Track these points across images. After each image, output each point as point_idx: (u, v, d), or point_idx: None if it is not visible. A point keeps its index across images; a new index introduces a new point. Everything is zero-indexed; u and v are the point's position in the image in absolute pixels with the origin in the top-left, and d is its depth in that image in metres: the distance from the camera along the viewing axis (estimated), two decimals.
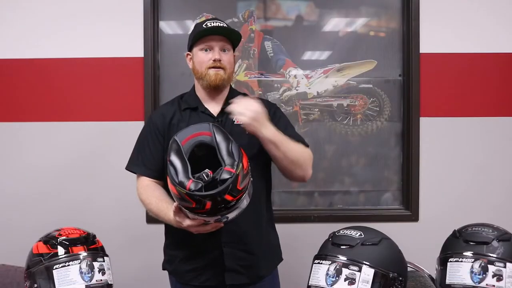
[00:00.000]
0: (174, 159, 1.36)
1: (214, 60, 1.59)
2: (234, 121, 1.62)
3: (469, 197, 2.43)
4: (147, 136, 1.68)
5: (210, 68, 1.60)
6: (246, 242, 1.62)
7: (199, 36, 1.60)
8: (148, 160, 1.65)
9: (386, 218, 2.41)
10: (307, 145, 1.67)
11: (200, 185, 1.29)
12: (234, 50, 1.68)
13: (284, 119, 1.72)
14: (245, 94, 1.77)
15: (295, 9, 2.46)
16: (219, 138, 1.37)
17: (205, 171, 1.33)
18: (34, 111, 2.38)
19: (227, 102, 1.65)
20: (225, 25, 1.62)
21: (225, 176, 1.29)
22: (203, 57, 1.61)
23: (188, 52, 1.68)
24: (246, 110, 1.45)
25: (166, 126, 1.65)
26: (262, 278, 1.67)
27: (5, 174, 2.40)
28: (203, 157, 1.39)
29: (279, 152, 1.52)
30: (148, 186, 1.63)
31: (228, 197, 1.30)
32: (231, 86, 1.74)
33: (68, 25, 2.37)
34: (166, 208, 1.51)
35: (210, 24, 1.60)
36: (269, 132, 1.49)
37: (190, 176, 1.32)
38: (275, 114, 1.69)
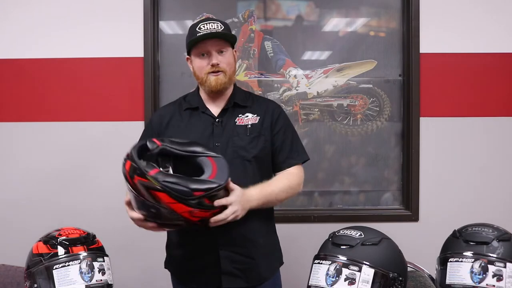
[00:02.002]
0: (149, 140, 1.37)
1: (212, 65, 1.58)
2: (236, 122, 1.62)
3: (469, 197, 2.42)
4: (145, 135, 1.69)
5: (209, 73, 1.59)
6: (244, 246, 1.59)
7: (193, 43, 1.59)
8: None
9: (386, 218, 2.40)
10: (304, 160, 1.69)
11: (138, 156, 1.27)
12: (234, 46, 1.65)
13: (288, 131, 1.69)
14: (249, 93, 1.75)
15: (295, 9, 2.46)
16: (217, 170, 1.32)
17: (169, 167, 1.29)
18: (33, 111, 2.38)
19: (230, 102, 1.65)
20: (219, 25, 1.59)
21: (188, 183, 1.23)
22: (201, 63, 1.60)
23: (188, 56, 1.67)
24: (233, 214, 1.41)
25: (162, 127, 1.66)
26: (263, 282, 1.64)
27: (5, 174, 2.39)
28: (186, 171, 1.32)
29: (269, 205, 1.61)
30: None
31: (153, 192, 1.23)
32: (235, 84, 1.72)
33: (68, 25, 2.36)
34: None
35: (204, 27, 1.58)
36: (253, 202, 1.50)
37: (138, 153, 1.29)
38: (278, 120, 1.67)
